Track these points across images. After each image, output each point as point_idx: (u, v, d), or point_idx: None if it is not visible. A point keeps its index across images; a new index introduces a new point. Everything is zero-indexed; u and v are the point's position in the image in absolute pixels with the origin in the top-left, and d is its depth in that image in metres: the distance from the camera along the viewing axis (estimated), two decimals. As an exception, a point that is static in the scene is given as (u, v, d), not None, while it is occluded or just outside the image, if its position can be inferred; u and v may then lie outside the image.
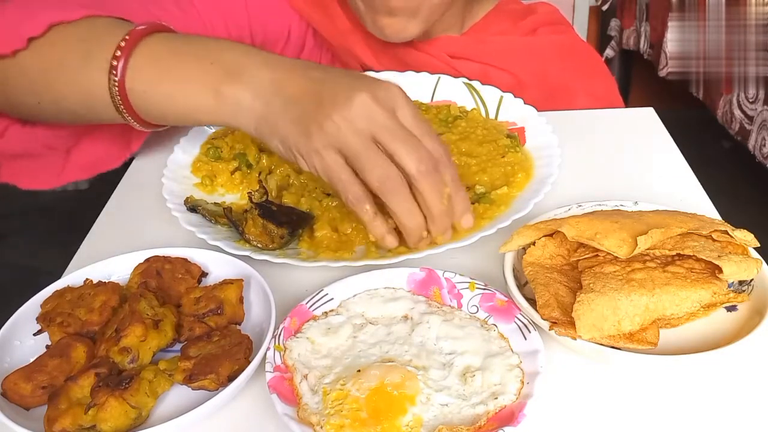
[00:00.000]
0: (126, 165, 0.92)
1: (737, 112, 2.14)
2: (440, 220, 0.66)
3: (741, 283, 0.62)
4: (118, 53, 0.68)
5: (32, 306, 0.63)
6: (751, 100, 2.09)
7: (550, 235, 0.65)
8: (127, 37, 0.68)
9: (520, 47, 1.05)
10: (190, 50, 0.70)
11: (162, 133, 0.98)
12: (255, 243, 0.69)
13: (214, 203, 0.77)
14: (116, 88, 0.69)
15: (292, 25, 1.04)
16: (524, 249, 0.65)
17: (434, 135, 0.66)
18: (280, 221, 0.71)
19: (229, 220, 0.71)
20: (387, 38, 0.95)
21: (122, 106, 0.70)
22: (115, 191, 0.87)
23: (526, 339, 0.58)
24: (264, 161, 0.82)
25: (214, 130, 0.90)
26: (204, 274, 0.68)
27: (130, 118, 0.71)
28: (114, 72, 0.68)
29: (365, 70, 1.01)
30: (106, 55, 0.68)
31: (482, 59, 1.01)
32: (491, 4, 1.08)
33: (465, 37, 1.06)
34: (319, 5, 1.02)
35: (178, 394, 0.57)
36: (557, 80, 1.03)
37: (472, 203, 0.75)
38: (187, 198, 0.77)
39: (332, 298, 0.63)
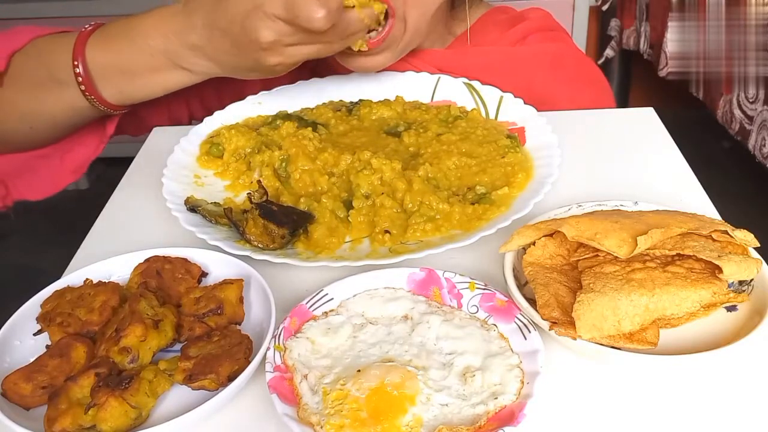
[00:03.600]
0: (126, 165, 0.93)
1: (737, 112, 2.14)
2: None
3: (741, 283, 0.62)
4: (76, 62, 0.79)
5: (32, 306, 0.63)
6: (751, 100, 2.09)
7: (550, 235, 0.65)
8: (74, 47, 0.80)
9: (504, 58, 1.03)
10: (131, 43, 0.80)
11: (162, 133, 0.98)
12: (256, 243, 0.70)
13: (214, 203, 0.77)
14: (86, 92, 0.81)
15: None
16: (524, 249, 0.65)
17: None
18: (281, 221, 0.71)
19: (229, 220, 0.72)
20: (355, 70, 0.94)
21: (103, 106, 0.83)
22: (115, 191, 0.87)
23: (526, 339, 0.58)
24: (263, 157, 0.82)
25: (211, 130, 0.90)
26: (204, 274, 0.68)
27: (114, 112, 0.85)
28: (79, 76, 0.80)
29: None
30: (67, 71, 0.80)
31: (466, 72, 0.99)
32: (477, 16, 1.07)
33: (449, 50, 1.05)
34: None
35: (178, 394, 0.57)
36: (543, 91, 1.00)
37: (473, 204, 0.75)
38: (188, 198, 0.77)
39: (332, 298, 0.63)
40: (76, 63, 0.79)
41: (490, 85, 0.95)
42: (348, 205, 0.76)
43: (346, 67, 1.02)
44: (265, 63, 0.76)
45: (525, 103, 0.91)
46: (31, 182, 0.92)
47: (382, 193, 0.76)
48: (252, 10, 0.72)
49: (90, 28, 0.83)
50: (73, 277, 0.66)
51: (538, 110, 0.89)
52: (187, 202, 0.76)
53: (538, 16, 1.08)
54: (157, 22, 0.79)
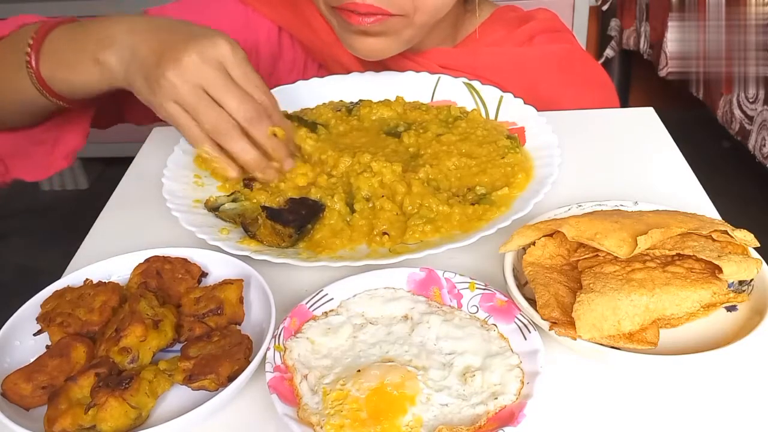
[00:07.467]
0: (126, 165, 0.93)
1: (737, 112, 2.14)
2: (275, 152, 0.76)
3: (741, 283, 0.62)
4: (28, 49, 0.78)
5: (32, 306, 0.63)
6: (751, 100, 2.09)
7: (550, 235, 0.65)
8: (34, 35, 0.78)
9: (511, 59, 1.03)
10: (83, 31, 0.78)
11: (162, 133, 0.98)
12: (267, 244, 0.70)
13: (232, 199, 0.77)
14: (34, 77, 0.78)
15: (260, 39, 1.04)
16: (524, 249, 0.65)
17: (261, 86, 0.75)
18: (287, 220, 0.71)
19: (241, 225, 0.72)
20: (362, 57, 0.94)
21: (45, 92, 0.79)
22: (115, 191, 0.87)
23: (526, 339, 0.58)
24: None
25: None
26: (204, 274, 0.68)
27: (56, 100, 0.81)
28: (29, 65, 0.78)
29: None
30: (24, 53, 0.78)
31: (473, 71, 0.99)
32: (486, 14, 1.07)
33: (457, 49, 1.05)
34: (302, 18, 1.02)
35: (178, 394, 0.57)
36: (548, 93, 1.01)
37: (473, 204, 0.75)
38: (208, 199, 0.77)
39: (332, 298, 0.63)
40: (31, 39, 0.78)
41: (494, 85, 0.95)
42: (349, 208, 0.76)
43: (344, 65, 1.02)
44: (152, 97, 0.72)
45: (525, 103, 0.90)
46: (26, 164, 0.94)
47: (383, 196, 0.76)
48: (200, 44, 0.71)
49: (73, 17, 0.82)
50: (73, 277, 0.66)
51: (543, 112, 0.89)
52: (207, 203, 0.76)
53: (545, 17, 1.07)
54: (125, 19, 0.77)
